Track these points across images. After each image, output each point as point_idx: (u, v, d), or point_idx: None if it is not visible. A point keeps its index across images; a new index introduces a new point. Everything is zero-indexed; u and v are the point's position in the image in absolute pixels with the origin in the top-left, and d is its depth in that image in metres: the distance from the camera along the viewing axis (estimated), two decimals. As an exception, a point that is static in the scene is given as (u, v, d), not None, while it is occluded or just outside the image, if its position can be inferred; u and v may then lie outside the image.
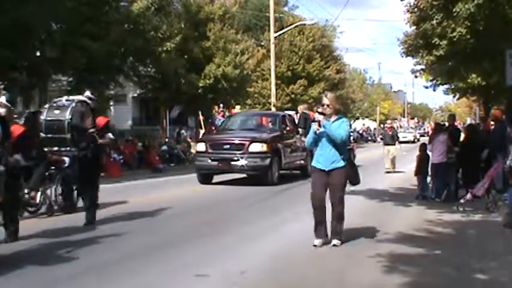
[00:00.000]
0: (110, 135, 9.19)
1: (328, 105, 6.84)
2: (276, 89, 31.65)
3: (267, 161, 13.99)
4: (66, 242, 7.02)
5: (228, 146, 14.35)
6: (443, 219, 9.11)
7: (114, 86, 23.02)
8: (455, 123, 17.50)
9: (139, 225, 8.55)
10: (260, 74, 35.74)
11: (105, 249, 6.76)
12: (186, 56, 25.83)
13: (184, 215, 9.63)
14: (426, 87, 30.74)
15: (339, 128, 6.74)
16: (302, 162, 15.84)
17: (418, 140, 48.93)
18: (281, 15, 38.15)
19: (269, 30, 31.23)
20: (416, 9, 14.58)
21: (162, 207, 10.03)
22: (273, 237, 7.49)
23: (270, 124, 16.34)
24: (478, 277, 5.53)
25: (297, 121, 17.30)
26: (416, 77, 25.75)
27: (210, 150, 14.43)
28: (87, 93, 8.65)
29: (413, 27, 16.76)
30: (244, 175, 14.82)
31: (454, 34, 13.37)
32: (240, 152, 13.98)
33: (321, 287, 5.29)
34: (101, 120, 8.85)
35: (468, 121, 49.50)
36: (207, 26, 27.53)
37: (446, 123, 15.01)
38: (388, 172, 18.45)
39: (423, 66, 22.82)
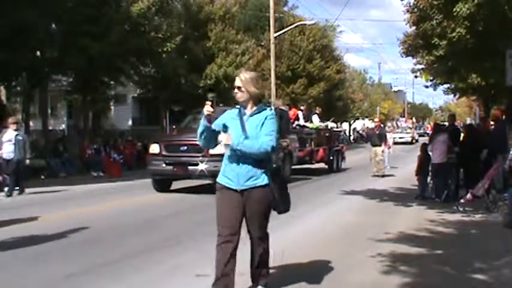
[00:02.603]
0: None
1: (239, 88, 4.43)
2: (276, 89, 31.62)
3: None
4: (63, 242, 7.04)
5: (185, 148, 12.40)
6: (444, 219, 9.11)
7: (115, 86, 23.06)
8: (456, 123, 17.47)
9: (138, 225, 8.56)
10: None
11: (105, 248, 6.76)
12: (186, 56, 25.85)
13: (183, 215, 9.63)
14: (426, 87, 30.75)
15: (261, 131, 4.37)
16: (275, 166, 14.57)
17: (417, 140, 48.57)
18: (281, 15, 38.14)
19: (269, 30, 31.20)
20: (416, 9, 14.55)
21: (160, 207, 10.02)
22: (271, 238, 7.45)
23: None
24: (478, 277, 5.53)
25: None
26: (416, 77, 25.72)
27: (164, 153, 12.68)
28: None
29: (413, 27, 16.73)
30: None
31: (454, 34, 13.34)
32: (200, 154, 11.89)
33: (321, 287, 5.29)
34: None
35: (468, 121, 49.48)
36: (207, 26, 27.53)
37: (446, 123, 15.00)
38: (375, 176, 17.20)
39: (423, 66, 22.81)
